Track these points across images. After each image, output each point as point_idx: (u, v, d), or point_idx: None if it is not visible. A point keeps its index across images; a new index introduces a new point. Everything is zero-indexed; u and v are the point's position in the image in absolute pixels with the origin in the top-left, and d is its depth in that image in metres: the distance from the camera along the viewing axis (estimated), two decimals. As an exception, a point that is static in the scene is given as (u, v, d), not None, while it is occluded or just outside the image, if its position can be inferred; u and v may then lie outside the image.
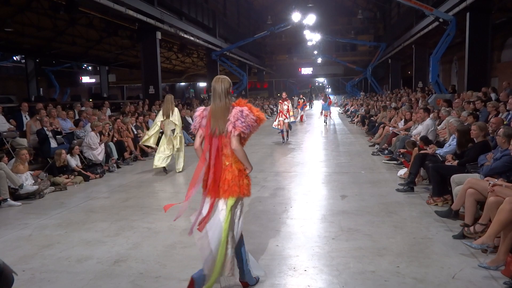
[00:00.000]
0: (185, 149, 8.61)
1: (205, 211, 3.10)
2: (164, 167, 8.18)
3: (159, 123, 8.25)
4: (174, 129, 8.17)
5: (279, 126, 12.61)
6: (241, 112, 3.01)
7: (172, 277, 3.60)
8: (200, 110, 3.27)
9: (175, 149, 8.20)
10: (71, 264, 3.94)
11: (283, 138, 12.59)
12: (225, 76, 3.21)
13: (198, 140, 3.23)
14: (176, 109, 8.29)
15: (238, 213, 3.15)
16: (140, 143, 9.68)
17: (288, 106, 12.82)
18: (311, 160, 9.61)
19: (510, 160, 4.36)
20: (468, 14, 13.22)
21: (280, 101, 13.16)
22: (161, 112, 8.27)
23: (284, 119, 12.52)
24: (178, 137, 8.22)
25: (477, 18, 13.13)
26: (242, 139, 3.07)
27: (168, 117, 8.11)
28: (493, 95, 10.41)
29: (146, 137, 8.53)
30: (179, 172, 8.30)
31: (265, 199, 6.08)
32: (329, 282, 3.45)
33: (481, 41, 13.25)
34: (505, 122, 6.31)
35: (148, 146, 9.34)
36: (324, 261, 3.85)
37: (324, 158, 9.89)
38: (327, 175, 7.83)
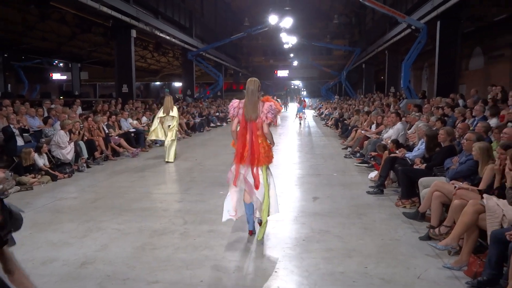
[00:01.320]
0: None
1: (244, 173, 4.26)
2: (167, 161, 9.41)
3: (158, 119, 9.48)
4: (170, 124, 9.36)
5: None
6: (270, 106, 4.23)
7: (140, 279, 3.54)
8: (236, 102, 4.40)
9: (169, 141, 9.31)
10: (35, 266, 3.81)
11: None
12: (256, 79, 4.36)
13: (234, 124, 4.41)
14: (175, 107, 9.61)
15: (270, 173, 4.42)
16: (147, 139, 10.77)
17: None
18: (285, 162, 9.66)
19: (474, 164, 4.52)
20: (438, 22, 13.64)
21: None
22: (161, 110, 9.49)
23: None
24: (174, 131, 9.34)
25: (447, 27, 13.57)
26: (269, 125, 4.25)
27: (168, 114, 9.31)
28: (460, 102, 10.78)
29: (152, 132, 9.66)
30: (168, 162, 9.25)
31: (238, 201, 6.07)
32: (299, 283, 3.47)
33: (451, 49, 13.70)
34: (471, 128, 6.53)
35: (151, 141, 10.98)
36: (294, 262, 3.87)
37: (298, 160, 9.98)
38: (300, 177, 7.90)
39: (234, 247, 4.23)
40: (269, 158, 4.31)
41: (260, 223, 4.41)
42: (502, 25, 15.55)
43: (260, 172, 4.26)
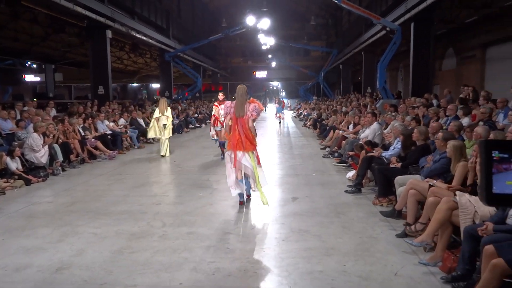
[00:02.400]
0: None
1: (242, 162, 5.51)
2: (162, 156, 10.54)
3: (155, 120, 10.63)
4: (165, 123, 10.49)
5: (217, 137, 9.70)
6: (255, 106, 5.58)
7: (118, 283, 3.48)
8: (228, 103, 5.81)
9: (165, 138, 10.50)
10: (8, 273, 3.69)
11: (223, 153, 9.28)
12: (244, 85, 5.73)
13: (228, 120, 5.77)
14: (169, 108, 11.03)
15: (254, 157, 5.61)
16: (148, 136, 11.73)
17: None
18: (265, 162, 9.64)
19: (447, 162, 4.64)
20: (412, 24, 13.95)
21: (216, 103, 9.80)
22: (157, 110, 10.74)
23: (221, 128, 9.26)
24: (169, 128, 10.57)
25: (421, 29, 13.88)
26: (253, 120, 5.59)
27: (163, 114, 10.52)
28: (434, 101, 11.05)
29: (151, 131, 10.75)
30: (163, 156, 10.40)
31: (217, 202, 6.05)
32: (279, 283, 3.49)
33: (424, 50, 14.03)
34: (444, 127, 6.70)
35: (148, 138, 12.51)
36: (274, 262, 3.89)
37: (278, 160, 10.02)
38: (280, 177, 7.93)
39: (214, 248, 4.21)
40: (253, 146, 5.62)
41: (244, 199, 5.74)
42: (473, 27, 16.03)
43: (248, 157, 5.54)
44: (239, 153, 5.51)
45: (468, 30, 16.53)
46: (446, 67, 19.63)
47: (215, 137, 9.78)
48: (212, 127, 9.81)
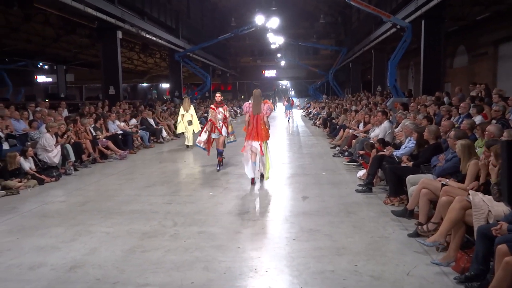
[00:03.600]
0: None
1: (255, 146, 6.88)
2: (187, 145, 12.16)
3: (181, 116, 12.40)
4: (191, 120, 12.32)
5: (203, 146, 8.49)
6: (268, 106, 7.02)
7: (130, 282, 3.51)
8: (247, 103, 7.23)
9: (190, 132, 12.22)
10: (23, 272, 3.75)
11: (219, 163, 8.45)
12: (259, 89, 7.21)
13: (247, 116, 7.08)
14: (192, 106, 12.76)
15: (267, 146, 7.11)
16: (177, 132, 13.30)
17: (224, 115, 8.48)
18: (274, 162, 9.66)
19: (459, 161, 4.58)
20: (423, 21, 13.81)
21: (212, 106, 8.62)
22: (182, 108, 12.52)
23: (219, 135, 8.35)
24: (196, 123, 12.39)
25: (431, 26, 13.75)
26: (267, 117, 6.98)
27: (187, 111, 12.33)
28: (446, 99, 10.93)
29: (178, 127, 12.66)
30: (188, 146, 12.02)
31: (228, 201, 6.07)
32: (290, 282, 3.49)
33: (435, 48, 13.88)
34: (456, 125, 6.63)
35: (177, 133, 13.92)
36: (285, 261, 3.89)
37: (287, 160, 10.00)
38: (289, 177, 7.92)
39: (225, 248, 4.22)
40: (267, 137, 7.07)
41: (262, 177, 7.19)
42: (484, 23, 15.83)
43: (262, 145, 6.92)
44: (255, 142, 6.86)
45: (480, 27, 16.33)
46: (457, 64, 19.41)
47: (202, 145, 8.50)
48: (202, 133, 8.58)
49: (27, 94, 29.50)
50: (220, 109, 8.45)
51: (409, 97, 14.47)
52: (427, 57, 14.01)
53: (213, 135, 8.42)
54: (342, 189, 6.67)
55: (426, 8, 13.15)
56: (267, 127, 6.98)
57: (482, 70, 16.65)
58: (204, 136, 8.47)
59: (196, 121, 12.53)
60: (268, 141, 7.16)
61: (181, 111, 12.53)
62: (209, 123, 8.52)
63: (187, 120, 12.27)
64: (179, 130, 12.73)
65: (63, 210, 5.81)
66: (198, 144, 8.58)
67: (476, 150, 4.63)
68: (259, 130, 6.88)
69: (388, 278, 3.50)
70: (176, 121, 13.62)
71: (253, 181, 7.04)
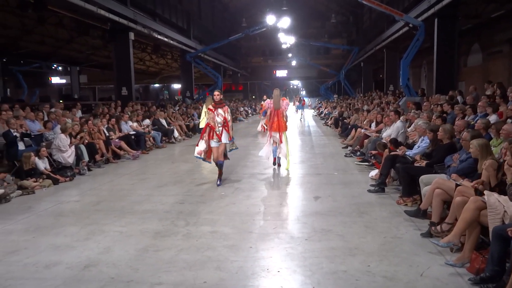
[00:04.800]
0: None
1: (276, 136, 8.29)
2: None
3: (204, 113, 12.57)
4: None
5: (203, 156, 7.21)
6: (287, 102, 8.59)
7: (144, 281, 3.55)
8: (268, 100, 8.68)
9: None
10: (39, 270, 3.82)
11: (219, 177, 7.19)
12: (278, 89, 8.60)
13: (269, 111, 8.34)
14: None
15: (286, 136, 8.44)
16: (200, 127, 13.56)
17: (224, 117, 7.16)
18: (286, 161, 9.66)
19: (474, 161, 4.52)
20: (436, 20, 13.65)
21: (210, 107, 7.32)
22: (204, 107, 12.51)
23: (219, 143, 7.08)
24: None
25: (445, 24, 13.58)
26: (286, 111, 8.53)
27: None
28: (459, 98, 10.79)
29: (202, 122, 12.82)
30: None
31: (239, 201, 6.08)
32: (302, 282, 3.49)
33: (448, 47, 13.71)
34: (472, 123, 6.54)
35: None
36: (297, 261, 3.88)
37: (299, 159, 9.98)
38: (301, 177, 7.91)
39: (237, 247, 4.24)
40: (286, 128, 8.49)
41: (279, 164, 8.70)
42: (499, 21, 15.56)
43: (282, 135, 8.34)
44: (276, 133, 8.25)
45: (495, 25, 16.07)
46: (471, 63, 19.12)
47: (202, 156, 7.20)
48: (200, 141, 7.19)
49: (41, 95, 29.98)
50: (220, 110, 7.13)
51: (422, 96, 14.32)
52: (440, 56, 13.84)
53: (212, 143, 7.05)
54: (354, 189, 6.63)
55: (439, 6, 13.00)
56: (285, 119, 8.44)
57: (497, 68, 16.38)
58: (202, 145, 7.14)
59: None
60: (286, 132, 8.48)
61: (204, 109, 13.19)
62: (208, 128, 7.12)
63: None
64: (201, 125, 13.62)
65: (77, 209, 5.89)
66: (198, 155, 7.17)
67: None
68: (280, 122, 8.21)
69: (401, 279, 3.47)
70: (188, 122, 14.54)
71: (274, 161, 8.64)
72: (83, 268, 3.82)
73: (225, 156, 7.44)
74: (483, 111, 7.19)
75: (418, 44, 13.89)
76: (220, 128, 7.15)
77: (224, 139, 7.17)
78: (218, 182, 7.18)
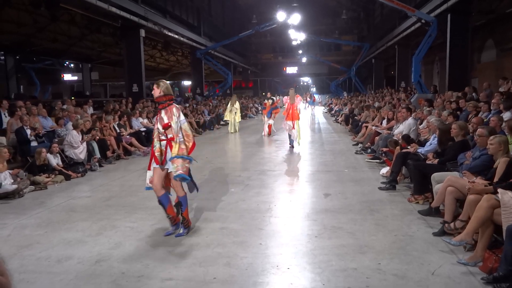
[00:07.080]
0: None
1: (289, 124, 10.70)
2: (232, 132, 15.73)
3: (229, 108, 16.18)
4: (236, 111, 16.04)
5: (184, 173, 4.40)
6: (300, 98, 11.52)
7: (154, 276, 3.57)
8: (285, 97, 11.72)
9: (235, 121, 16.12)
10: (51, 264, 3.87)
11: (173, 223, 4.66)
12: (293, 88, 11.71)
13: (287, 105, 10.99)
14: (237, 102, 16.63)
15: (299, 124, 10.88)
16: (224, 119, 17.23)
17: (167, 123, 4.39)
18: (296, 158, 9.65)
19: (488, 159, 4.45)
20: (449, 16, 13.47)
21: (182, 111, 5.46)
22: (230, 103, 16.41)
23: (159, 166, 4.43)
24: (238, 115, 16.31)
25: (458, 20, 13.39)
26: (298, 104, 11.11)
27: (233, 106, 16.07)
28: (473, 95, 10.63)
29: (227, 115, 16.37)
30: (232, 133, 15.69)
31: (249, 198, 6.08)
32: (312, 279, 3.47)
33: (462, 43, 13.52)
34: (485, 120, 6.44)
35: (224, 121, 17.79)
36: (307, 258, 3.87)
37: (309, 156, 9.95)
38: (311, 174, 7.88)
39: (246, 244, 4.24)
40: (298, 117, 10.73)
41: (292, 146, 11.06)
42: (514, 17, 15.26)
43: (295, 123, 10.59)
44: (289, 122, 10.57)
45: (509, 21, 15.76)
46: (485, 59, 18.81)
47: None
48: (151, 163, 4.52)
49: (54, 92, 30.34)
50: (163, 113, 4.45)
51: (434, 93, 14.15)
52: (453, 52, 13.65)
53: (153, 166, 4.46)
54: (365, 187, 6.58)
55: (452, 1, 12.83)
56: (298, 112, 10.84)
57: (511, 64, 16.09)
58: (151, 171, 4.54)
59: (239, 113, 16.33)
60: (299, 121, 10.77)
61: (229, 105, 16.37)
62: (178, 140, 4.39)
63: (234, 111, 16.02)
64: (226, 117, 16.60)
65: (89, 205, 5.96)
66: (149, 184, 4.60)
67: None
68: (294, 113, 10.64)
69: (412, 278, 3.43)
70: (198, 119, 16.29)
71: (291, 144, 11.18)
72: (95, 263, 3.86)
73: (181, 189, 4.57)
74: (497, 108, 7.07)
75: (430, 40, 13.73)
76: (164, 143, 4.44)
77: (168, 159, 4.38)
78: (167, 232, 4.57)
